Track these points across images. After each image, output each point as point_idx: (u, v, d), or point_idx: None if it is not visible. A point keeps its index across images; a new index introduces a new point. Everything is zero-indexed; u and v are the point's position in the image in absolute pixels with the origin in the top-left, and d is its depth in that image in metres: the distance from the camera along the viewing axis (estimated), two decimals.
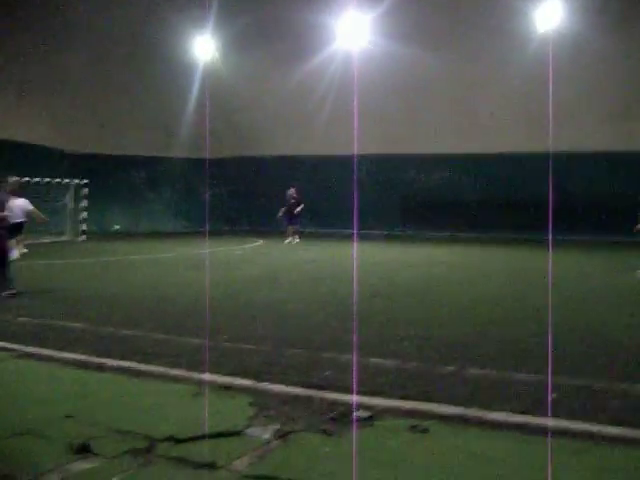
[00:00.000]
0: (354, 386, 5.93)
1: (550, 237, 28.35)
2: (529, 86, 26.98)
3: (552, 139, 26.62)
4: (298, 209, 26.80)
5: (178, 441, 4.57)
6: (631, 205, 28.40)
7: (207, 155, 31.99)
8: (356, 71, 27.35)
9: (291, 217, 26.84)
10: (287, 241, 26.25)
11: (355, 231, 32.13)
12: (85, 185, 28.49)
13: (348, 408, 5.30)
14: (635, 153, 28.54)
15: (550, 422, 5.05)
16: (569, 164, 28.99)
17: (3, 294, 11.03)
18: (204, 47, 30.52)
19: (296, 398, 5.61)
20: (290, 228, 26.82)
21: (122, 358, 6.96)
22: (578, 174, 29.41)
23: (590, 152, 29.07)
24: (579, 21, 25.17)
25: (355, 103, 26.54)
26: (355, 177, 29.87)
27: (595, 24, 25.02)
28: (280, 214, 26.93)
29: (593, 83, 27.50)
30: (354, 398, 5.60)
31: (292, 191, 27.24)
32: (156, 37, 28.92)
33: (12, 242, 18.49)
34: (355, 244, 25.99)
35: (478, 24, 27.69)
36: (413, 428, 4.91)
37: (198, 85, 31.18)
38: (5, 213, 11.83)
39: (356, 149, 28.70)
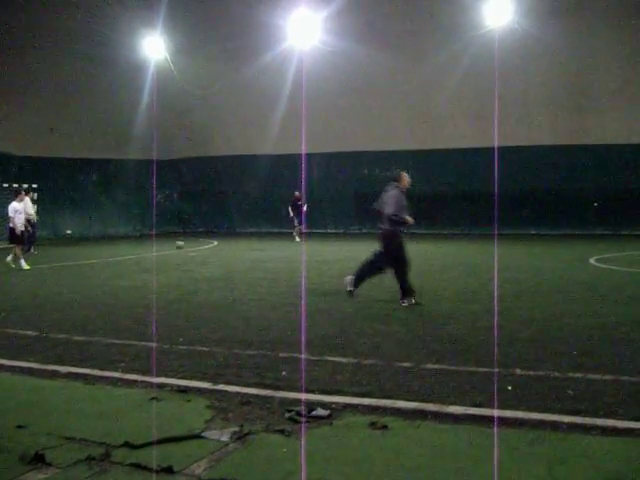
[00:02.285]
0: (311, 385, 5.93)
1: (500, 231, 28.76)
2: (480, 82, 27.23)
3: (503, 134, 26.96)
4: (305, 209, 28.02)
5: (134, 447, 4.50)
6: (582, 198, 29.11)
7: (155, 156, 31.59)
8: (305, 70, 27.30)
9: (301, 217, 28.01)
10: (297, 239, 27.47)
11: (311, 230, 32.14)
12: (35, 189, 27.96)
13: (306, 407, 5.29)
14: (585, 146, 29.06)
15: (506, 413, 5.12)
16: (520, 158, 29.39)
17: (404, 302, 10.41)
18: (154, 47, 30.14)
19: (253, 399, 5.58)
20: (298, 227, 28.05)
21: (76, 365, 6.85)
22: (530, 168, 29.82)
23: (541, 146, 29.51)
24: (528, 17, 25.46)
25: (303, 102, 26.52)
26: (303, 176, 29.86)
27: (544, 20, 25.35)
28: (291, 214, 28.20)
29: (543, 78, 27.88)
30: (312, 397, 5.60)
31: (297, 195, 28.13)
32: (105, 38, 28.46)
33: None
34: (311, 242, 25.99)
35: (429, 22, 27.89)
36: (372, 425, 4.92)
37: (149, 86, 30.80)
38: None
39: (304, 148, 28.70)
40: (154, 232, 32.51)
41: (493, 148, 25.61)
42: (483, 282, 13.09)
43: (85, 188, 34.11)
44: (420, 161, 32.05)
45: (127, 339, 8.08)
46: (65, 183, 32.51)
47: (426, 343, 7.59)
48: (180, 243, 24.54)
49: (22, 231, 17.64)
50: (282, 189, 33.53)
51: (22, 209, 17.94)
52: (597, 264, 16.39)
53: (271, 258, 19.40)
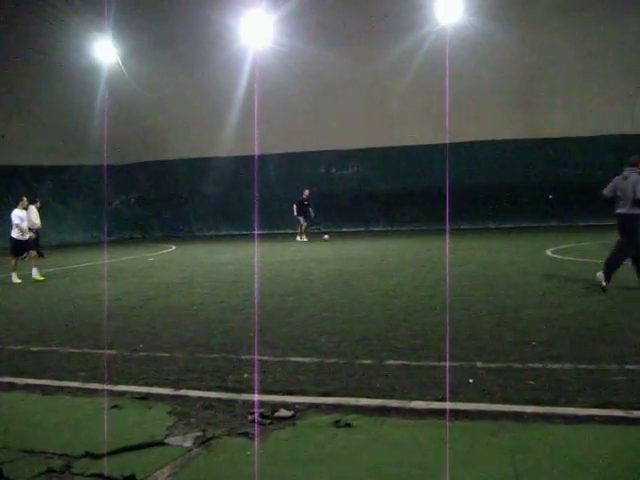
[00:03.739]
0: (274, 386, 5.91)
1: (458, 226, 29.06)
2: (433, 79, 27.41)
3: (457, 130, 27.27)
4: (311, 210, 27.27)
5: (95, 457, 4.43)
6: (537, 191, 29.54)
7: (109, 162, 31.20)
8: (258, 71, 27.27)
9: (306, 216, 27.22)
10: (299, 239, 26.74)
11: (270, 231, 32.07)
12: None
13: (269, 409, 5.27)
14: (538, 140, 29.50)
15: (468, 406, 5.16)
16: (475, 154, 29.74)
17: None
18: (105, 51, 29.77)
19: (216, 403, 5.53)
20: (304, 226, 27.26)
21: (34, 376, 6.71)
22: (485, 163, 30.18)
23: (495, 141, 29.87)
24: (479, 14, 25.75)
25: (256, 103, 26.52)
26: (255, 177, 29.78)
27: (494, 17, 25.66)
28: (295, 213, 27.31)
29: (494, 74, 28.22)
30: (275, 398, 5.57)
31: (306, 193, 27.42)
32: (56, 42, 28.06)
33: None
34: (270, 244, 25.93)
35: (381, 21, 28.01)
36: (336, 423, 4.92)
37: (101, 91, 30.39)
38: None
39: (258, 149, 28.68)
40: (110, 239, 32.14)
41: (446, 144, 25.88)
42: (442, 277, 13.15)
43: (39, 195, 33.53)
44: (375, 159, 32.27)
45: (86, 348, 7.95)
46: (18, 191, 31.89)
47: (387, 340, 7.61)
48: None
49: (21, 240, 16.29)
50: (240, 191, 33.42)
51: (25, 217, 16.51)
52: (553, 255, 16.64)
53: (231, 261, 19.29)
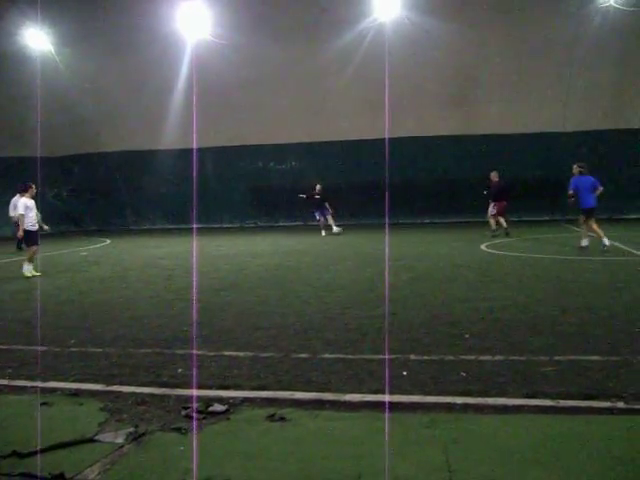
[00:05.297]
0: (208, 381, 5.86)
1: (395, 221, 29.35)
2: (372, 74, 27.54)
3: (395, 125, 27.47)
4: (326, 204, 25.97)
5: (23, 456, 4.31)
6: (472, 186, 30.01)
7: (42, 153, 30.36)
8: (197, 64, 26.98)
9: (322, 211, 26.00)
10: (335, 230, 25.53)
11: (206, 225, 31.81)
12: None
13: (203, 403, 5.22)
14: (474, 136, 29.96)
15: (402, 398, 5.22)
16: (412, 149, 30.04)
17: None
18: (38, 41, 28.99)
19: (149, 398, 5.46)
20: (329, 218, 26.01)
21: None
22: (422, 158, 30.51)
23: (432, 136, 30.21)
24: (417, 10, 25.98)
25: (194, 96, 26.26)
26: (193, 170, 29.50)
27: (432, 14, 25.92)
28: (327, 206, 26.02)
29: (433, 70, 28.49)
30: (209, 393, 5.53)
31: (318, 187, 26.25)
32: None
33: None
34: (207, 238, 25.70)
35: (320, 15, 27.97)
36: (270, 417, 4.92)
37: (34, 81, 29.56)
38: None
39: (195, 142, 28.40)
40: (43, 232, 31.34)
41: (385, 139, 26.07)
42: (379, 271, 13.27)
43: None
44: (314, 153, 32.26)
45: (15, 344, 7.73)
46: None
47: (323, 333, 7.63)
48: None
49: (34, 231, 15.15)
50: (177, 184, 33.06)
51: (33, 206, 15.22)
52: (487, 250, 16.95)
53: (166, 255, 19.06)
